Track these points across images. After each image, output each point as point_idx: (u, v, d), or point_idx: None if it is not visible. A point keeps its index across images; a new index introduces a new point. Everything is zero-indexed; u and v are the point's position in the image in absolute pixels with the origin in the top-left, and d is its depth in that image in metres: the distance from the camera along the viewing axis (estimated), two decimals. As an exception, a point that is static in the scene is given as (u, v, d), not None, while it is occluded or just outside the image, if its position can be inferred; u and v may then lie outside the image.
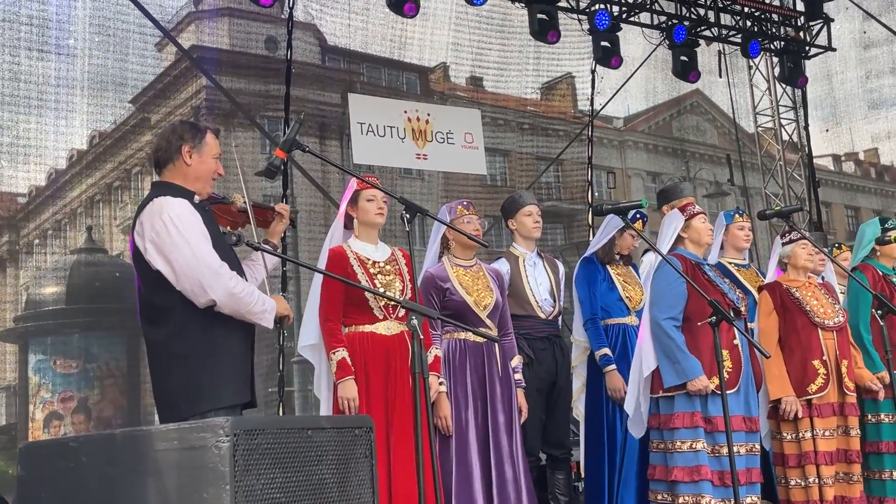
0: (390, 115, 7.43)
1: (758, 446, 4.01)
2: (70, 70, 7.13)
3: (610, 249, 4.70)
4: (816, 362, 4.22)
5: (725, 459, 3.77)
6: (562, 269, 4.74)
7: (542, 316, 4.48)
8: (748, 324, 4.29)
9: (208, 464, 2.05)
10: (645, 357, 4.05)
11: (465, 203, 4.28)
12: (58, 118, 7.18)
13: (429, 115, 7.63)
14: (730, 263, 4.76)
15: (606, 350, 4.50)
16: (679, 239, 4.21)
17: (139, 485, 2.14)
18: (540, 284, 4.53)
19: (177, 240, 2.86)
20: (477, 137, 7.78)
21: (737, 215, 4.82)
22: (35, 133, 7.14)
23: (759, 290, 4.47)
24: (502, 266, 4.52)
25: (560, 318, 4.67)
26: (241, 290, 2.90)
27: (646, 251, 5.17)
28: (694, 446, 3.83)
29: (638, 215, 4.71)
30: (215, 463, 2.04)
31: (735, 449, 3.70)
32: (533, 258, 4.60)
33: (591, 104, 9.45)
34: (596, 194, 9.61)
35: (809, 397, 4.18)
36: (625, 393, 4.39)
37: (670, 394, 3.92)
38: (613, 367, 4.47)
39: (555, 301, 4.56)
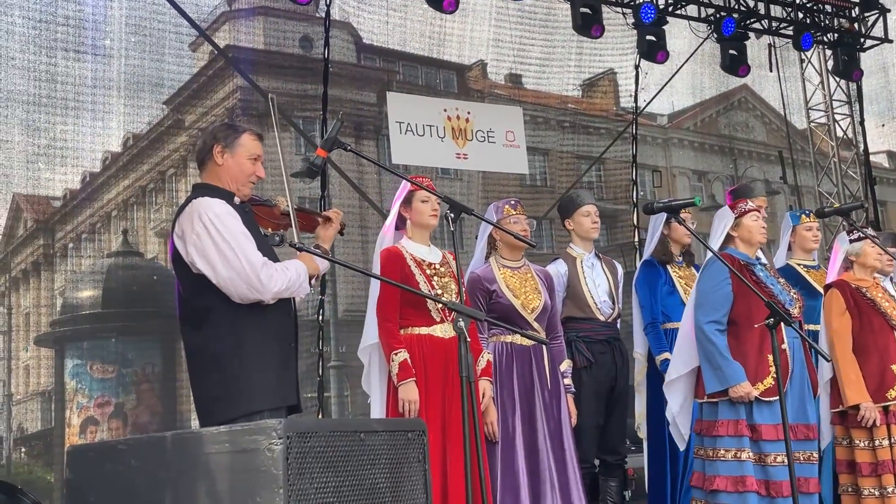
0: (430, 113, 7.43)
1: (815, 454, 3.94)
2: (106, 71, 7.23)
3: (665, 247, 4.66)
4: (895, 367, 4.14)
5: (772, 469, 3.73)
6: (620, 270, 4.71)
7: (602, 318, 4.47)
8: (803, 326, 4.23)
9: (261, 467, 2.06)
10: (674, 360, 4.01)
11: (512, 202, 4.27)
12: (94, 119, 7.29)
13: (469, 113, 7.62)
14: (798, 265, 4.70)
15: (668, 355, 4.44)
16: (729, 238, 4.16)
17: (190, 488, 2.16)
18: (598, 286, 4.51)
19: (219, 242, 2.88)
20: (518, 136, 7.76)
21: (804, 216, 4.77)
22: (72, 135, 7.24)
23: (826, 288, 4.40)
24: (560, 267, 4.51)
25: (619, 321, 4.64)
26: (284, 286, 2.95)
27: None
28: (738, 455, 3.77)
29: None
30: (268, 466, 2.05)
31: (781, 459, 3.65)
32: (591, 259, 4.58)
33: (636, 100, 9.37)
34: (641, 194, 9.54)
35: (887, 403, 4.09)
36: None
37: (714, 400, 3.88)
38: None
39: (614, 303, 4.54)
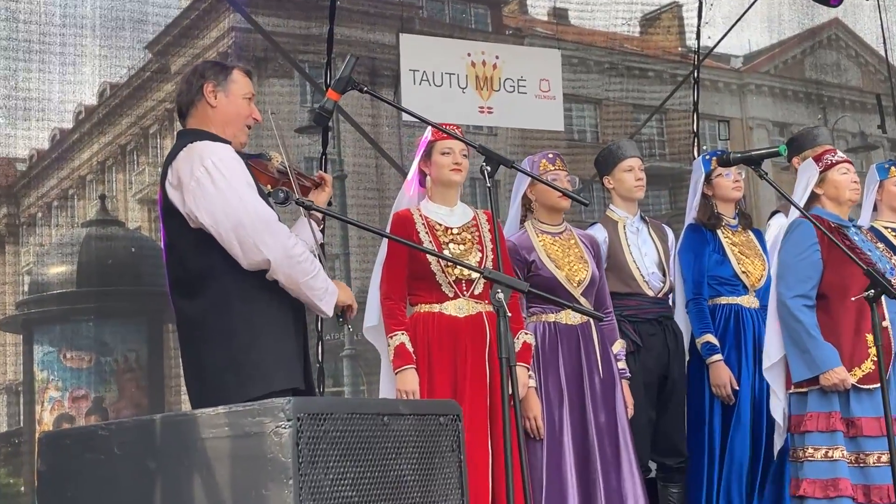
0: (450, 59, 7.35)
1: None
2: (78, 7, 7.21)
3: (708, 208, 4.63)
4: None
5: (873, 470, 3.72)
6: (671, 235, 4.71)
7: (650, 293, 4.46)
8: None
9: (267, 454, 2.06)
10: (767, 345, 3.98)
11: (550, 156, 4.25)
12: (63, 65, 7.27)
13: (497, 57, 7.53)
14: (885, 227, 4.65)
15: (710, 336, 4.45)
16: (815, 197, 4.11)
17: (184, 480, 2.17)
18: (645, 255, 4.50)
19: (223, 189, 2.89)
20: (554, 85, 7.65)
21: (893, 168, 4.71)
22: (37, 84, 7.23)
23: None
24: (598, 233, 4.49)
25: (671, 297, 4.62)
26: (301, 253, 2.93)
27: (773, 213, 5.09)
28: (830, 454, 3.76)
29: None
30: (275, 452, 2.05)
31: (885, 458, 3.63)
32: (635, 223, 4.57)
33: (698, 37, 9.19)
34: (704, 148, 9.43)
35: None
36: (731, 389, 4.35)
37: (802, 389, 3.86)
38: (719, 356, 4.43)
39: (664, 275, 4.52)
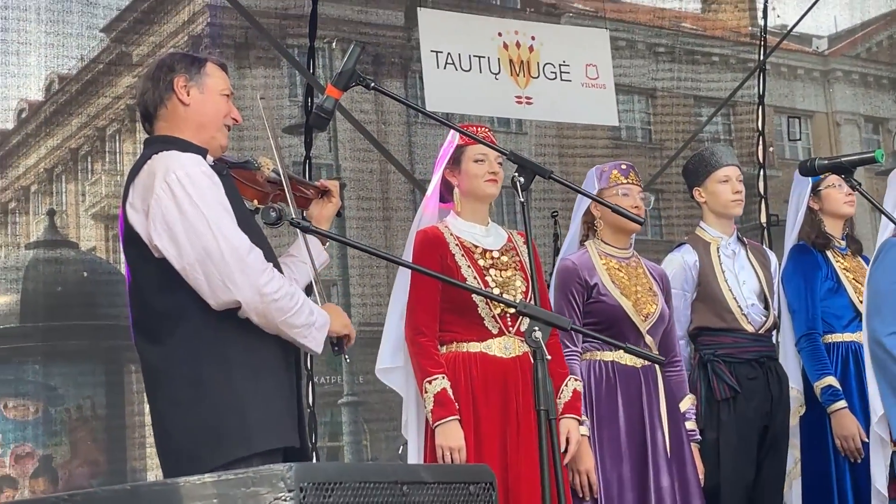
0: (479, 39, 7.37)
1: None
2: (21, -14, 7.29)
3: (817, 226, 4.66)
4: None
5: None
6: (774, 260, 4.75)
7: (750, 329, 4.50)
8: None
9: (264, 532, 2.08)
10: (872, 394, 3.99)
11: (623, 167, 4.31)
12: (5, 55, 7.35)
13: (533, 38, 7.56)
14: None
15: (831, 379, 4.46)
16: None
17: (164, 563, 2.19)
18: (744, 283, 4.54)
19: (188, 211, 2.91)
20: (604, 71, 7.68)
21: None
22: (-28, 77, 7.32)
23: None
24: (688, 256, 4.55)
25: (775, 334, 4.65)
26: (276, 290, 2.95)
27: None
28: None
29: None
30: (274, 531, 2.07)
31: None
32: (732, 245, 4.62)
33: (765, 15, 9.17)
34: (771, 150, 9.38)
35: None
36: (860, 442, 4.36)
37: (908, 449, 3.86)
38: (844, 403, 4.43)
39: (767, 307, 4.56)
